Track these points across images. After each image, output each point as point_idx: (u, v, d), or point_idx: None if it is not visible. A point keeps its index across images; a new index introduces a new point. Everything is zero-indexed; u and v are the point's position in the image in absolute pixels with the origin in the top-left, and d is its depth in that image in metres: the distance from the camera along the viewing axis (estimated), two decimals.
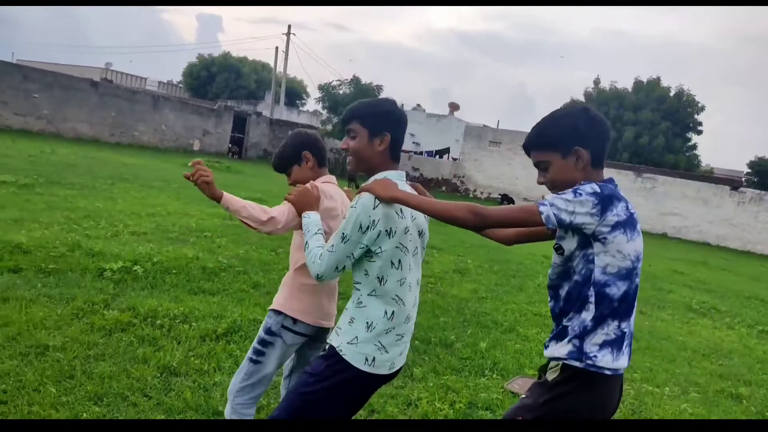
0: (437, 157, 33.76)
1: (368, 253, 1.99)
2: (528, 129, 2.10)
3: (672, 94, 33.33)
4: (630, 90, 34.13)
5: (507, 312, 6.33)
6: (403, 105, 42.24)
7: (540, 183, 2.05)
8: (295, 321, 2.48)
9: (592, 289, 1.86)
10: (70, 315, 4.10)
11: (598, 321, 1.86)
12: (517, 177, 27.42)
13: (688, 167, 32.63)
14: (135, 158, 18.20)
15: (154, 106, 24.97)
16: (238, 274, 5.93)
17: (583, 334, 1.86)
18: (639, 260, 1.89)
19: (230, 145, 28.58)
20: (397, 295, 2.01)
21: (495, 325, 5.72)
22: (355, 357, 1.98)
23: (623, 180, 26.24)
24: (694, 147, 34.72)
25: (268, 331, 2.51)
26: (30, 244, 5.58)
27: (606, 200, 1.80)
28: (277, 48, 39.19)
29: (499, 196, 27.92)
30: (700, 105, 33.39)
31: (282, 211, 2.39)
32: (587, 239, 1.84)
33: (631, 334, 1.94)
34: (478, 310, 6.16)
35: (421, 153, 34.37)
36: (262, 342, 2.52)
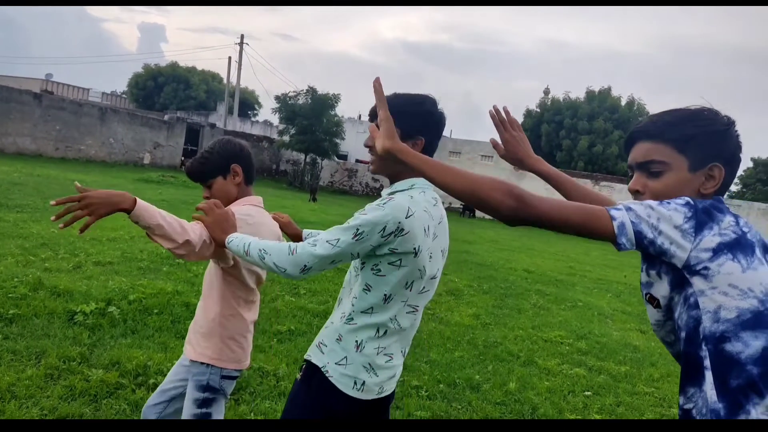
0: None
1: (375, 267, 1.71)
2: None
3: (623, 103, 34.12)
4: (583, 99, 34.74)
5: (517, 340, 5.91)
6: (360, 116, 41.91)
7: (633, 190, 1.43)
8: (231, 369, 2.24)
9: (704, 347, 1.25)
10: (43, 376, 3.42)
11: (733, 400, 1.21)
12: None
13: None
14: (83, 174, 17.11)
15: (101, 118, 23.74)
16: None
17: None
18: None
19: (183, 158, 27.49)
20: (395, 316, 1.76)
21: (511, 357, 5.29)
22: (341, 380, 1.75)
23: None
24: None
25: (208, 388, 2.14)
26: None
27: (703, 214, 1.24)
28: (230, 58, 38.20)
29: (461, 207, 27.80)
30: (649, 113, 34.25)
31: (197, 234, 1.91)
32: (680, 275, 1.26)
33: None
34: (488, 340, 5.71)
35: None
36: (206, 402, 2.14)
